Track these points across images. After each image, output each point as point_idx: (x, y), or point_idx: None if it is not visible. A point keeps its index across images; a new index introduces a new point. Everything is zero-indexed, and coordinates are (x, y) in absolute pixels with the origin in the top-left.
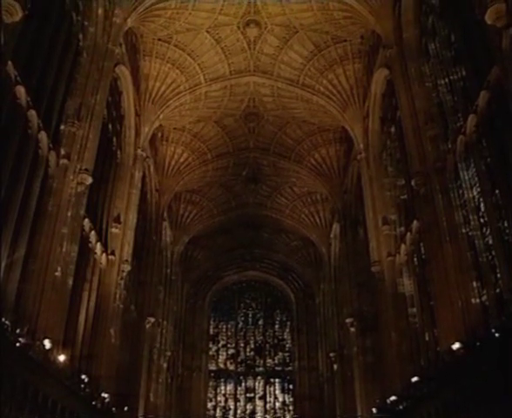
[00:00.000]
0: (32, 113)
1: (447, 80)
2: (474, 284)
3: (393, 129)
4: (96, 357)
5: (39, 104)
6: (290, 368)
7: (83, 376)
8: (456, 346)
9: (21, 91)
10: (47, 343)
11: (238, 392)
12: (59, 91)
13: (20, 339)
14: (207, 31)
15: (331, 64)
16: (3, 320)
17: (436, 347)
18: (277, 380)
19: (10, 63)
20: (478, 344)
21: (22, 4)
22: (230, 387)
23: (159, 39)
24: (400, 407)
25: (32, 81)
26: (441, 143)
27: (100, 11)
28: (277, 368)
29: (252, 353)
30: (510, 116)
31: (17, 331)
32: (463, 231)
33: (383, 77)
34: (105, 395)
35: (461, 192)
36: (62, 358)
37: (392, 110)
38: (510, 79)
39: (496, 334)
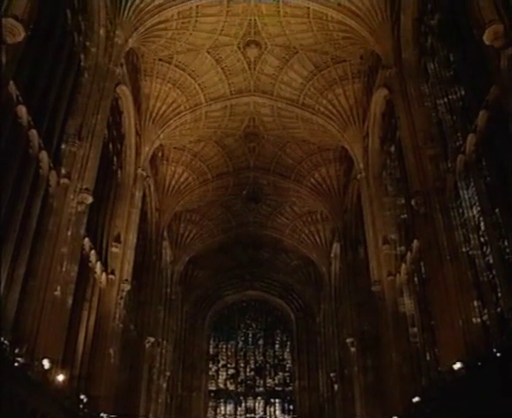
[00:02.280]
0: (33, 133)
1: (446, 100)
2: (475, 303)
3: (392, 148)
4: (95, 377)
5: (40, 124)
6: (290, 388)
7: (82, 396)
8: (457, 365)
9: (22, 110)
10: (46, 363)
11: (238, 412)
12: (60, 111)
13: (19, 358)
14: (208, 52)
15: (331, 83)
16: (2, 339)
17: (437, 367)
18: (277, 400)
19: (11, 82)
20: (479, 363)
21: (24, 25)
22: (230, 407)
23: (160, 59)
24: None
25: (34, 101)
26: (441, 162)
27: (102, 32)
28: (277, 388)
29: (252, 373)
30: (509, 135)
31: (16, 350)
32: (463, 250)
33: (383, 97)
34: (104, 416)
35: (461, 211)
36: (61, 378)
37: (391, 129)
38: (509, 99)
39: (498, 354)
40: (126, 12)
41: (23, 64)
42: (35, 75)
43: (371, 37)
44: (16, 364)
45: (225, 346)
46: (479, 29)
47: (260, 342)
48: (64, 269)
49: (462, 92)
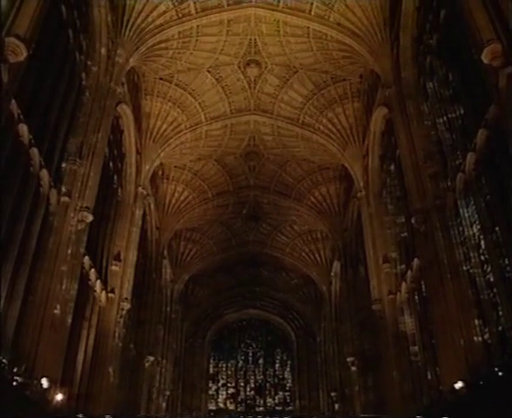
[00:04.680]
0: (34, 151)
1: (445, 118)
2: (476, 322)
3: (392, 167)
4: (94, 396)
5: (41, 142)
6: (291, 408)
7: (80, 415)
8: (459, 385)
9: (24, 128)
10: (45, 382)
11: None
12: (61, 130)
13: (17, 377)
14: (208, 71)
15: (330, 102)
16: (1, 358)
17: (439, 386)
18: None
19: (13, 101)
20: (481, 382)
21: (27, 45)
22: None
23: (161, 78)
24: None
25: (35, 119)
26: (441, 180)
27: (103, 51)
28: (277, 408)
29: (252, 392)
30: (509, 153)
31: (15, 369)
32: (464, 268)
33: (382, 116)
34: None
35: (461, 229)
36: (59, 397)
37: (391, 148)
38: (508, 118)
39: (499, 373)
40: (127, 32)
41: (24, 83)
42: (36, 93)
43: (370, 57)
44: (14, 383)
45: (225, 365)
46: (477, 48)
47: (261, 361)
48: (63, 287)
49: (462, 111)
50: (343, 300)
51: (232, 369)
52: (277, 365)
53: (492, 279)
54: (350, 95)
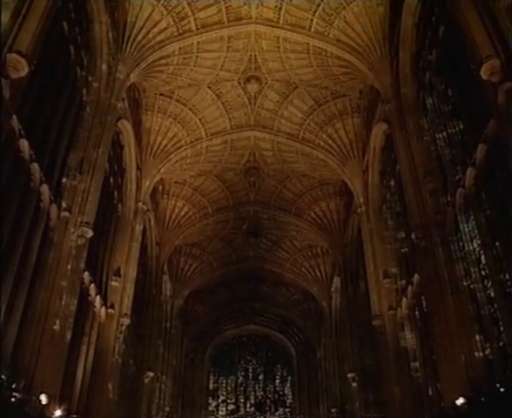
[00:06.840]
0: (35, 166)
1: (445, 134)
2: (477, 337)
3: (392, 182)
4: (93, 412)
5: (42, 158)
6: None
7: None
8: (460, 401)
9: (24, 144)
10: (43, 398)
11: None
12: (62, 145)
13: (16, 394)
14: (208, 87)
15: (330, 118)
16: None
17: (440, 402)
18: None
19: (14, 117)
20: (482, 399)
21: (28, 60)
22: None
23: (161, 94)
24: None
25: (36, 135)
26: (441, 196)
27: (104, 67)
28: None
29: (252, 408)
30: (508, 168)
31: (13, 386)
32: (464, 283)
33: (382, 132)
34: None
35: (461, 244)
36: (58, 413)
37: (391, 163)
38: (507, 133)
39: (501, 389)
40: (128, 48)
41: (25, 99)
42: (37, 109)
43: (370, 73)
44: (13, 399)
45: (225, 381)
46: (476, 64)
47: (261, 377)
48: (63, 303)
49: (461, 126)
50: (343, 316)
51: (232, 385)
52: (277, 381)
53: (493, 295)
54: (350, 110)
